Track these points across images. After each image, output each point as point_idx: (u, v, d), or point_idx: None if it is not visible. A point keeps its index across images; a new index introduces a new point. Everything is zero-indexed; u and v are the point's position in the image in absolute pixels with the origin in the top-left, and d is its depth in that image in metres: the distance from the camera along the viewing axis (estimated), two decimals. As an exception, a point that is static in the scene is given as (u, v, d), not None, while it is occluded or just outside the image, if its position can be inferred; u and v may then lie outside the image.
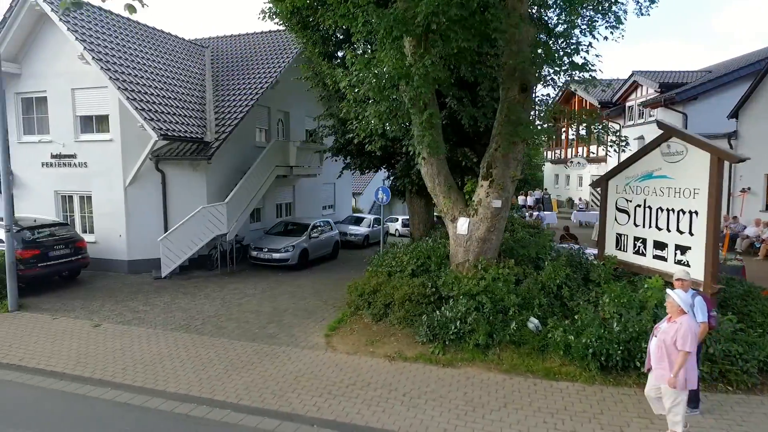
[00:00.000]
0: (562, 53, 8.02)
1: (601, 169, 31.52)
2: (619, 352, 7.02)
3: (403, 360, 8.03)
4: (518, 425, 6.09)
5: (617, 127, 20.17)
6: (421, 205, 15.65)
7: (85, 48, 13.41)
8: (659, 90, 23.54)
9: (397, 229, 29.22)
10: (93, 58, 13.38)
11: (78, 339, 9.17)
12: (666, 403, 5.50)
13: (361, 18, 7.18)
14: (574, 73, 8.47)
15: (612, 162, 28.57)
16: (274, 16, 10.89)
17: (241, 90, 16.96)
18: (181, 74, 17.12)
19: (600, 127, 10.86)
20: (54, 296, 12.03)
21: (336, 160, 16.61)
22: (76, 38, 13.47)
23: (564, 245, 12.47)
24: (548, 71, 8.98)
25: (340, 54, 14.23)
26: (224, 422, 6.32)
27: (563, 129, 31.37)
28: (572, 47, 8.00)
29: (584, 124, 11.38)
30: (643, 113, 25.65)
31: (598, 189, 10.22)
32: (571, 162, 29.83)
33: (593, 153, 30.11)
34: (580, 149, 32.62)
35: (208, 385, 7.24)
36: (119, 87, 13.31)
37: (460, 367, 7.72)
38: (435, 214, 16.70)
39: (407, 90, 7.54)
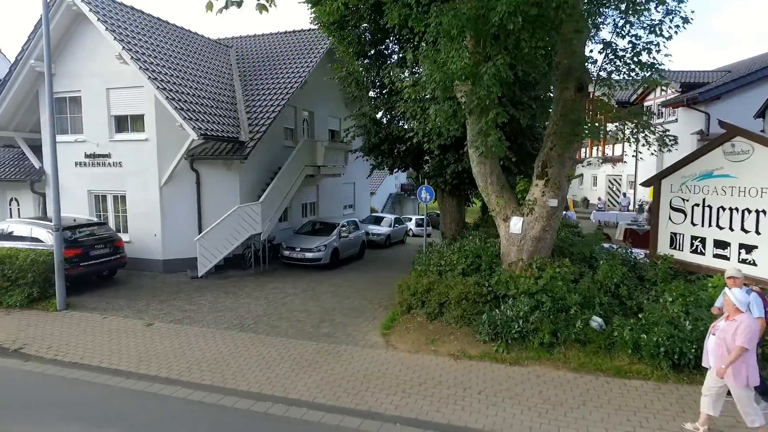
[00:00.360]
0: (631, 53, 8.02)
1: (617, 169, 31.50)
2: (693, 350, 7.03)
3: (468, 359, 8.04)
4: (602, 423, 6.10)
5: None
6: (453, 204, 15.64)
7: (123, 48, 13.40)
8: (680, 90, 23.53)
9: (411, 229, 29.19)
10: (131, 58, 13.38)
11: (134, 338, 9.18)
12: (735, 400, 5.63)
13: (434, 18, 7.20)
14: (641, 73, 8.47)
15: (630, 162, 28.59)
16: (327, 17, 10.86)
17: (270, 90, 16.97)
18: (211, 74, 17.12)
19: (645, 126, 10.87)
20: (96, 295, 12.03)
21: (367, 159, 16.62)
22: (114, 38, 13.46)
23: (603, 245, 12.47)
24: (606, 69, 8.96)
25: (371, 53, 14.26)
26: (305, 420, 6.32)
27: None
28: (641, 46, 7.98)
29: (627, 122, 11.37)
30: (662, 113, 25.63)
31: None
32: (589, 162, 29.80)
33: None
34: (595, 149, 32.56)
35: (279, 384, 7.25)
36: (158, 87, 13.30)
37: (527, 366, 7.74)
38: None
39: (474, 90, 7.54)
